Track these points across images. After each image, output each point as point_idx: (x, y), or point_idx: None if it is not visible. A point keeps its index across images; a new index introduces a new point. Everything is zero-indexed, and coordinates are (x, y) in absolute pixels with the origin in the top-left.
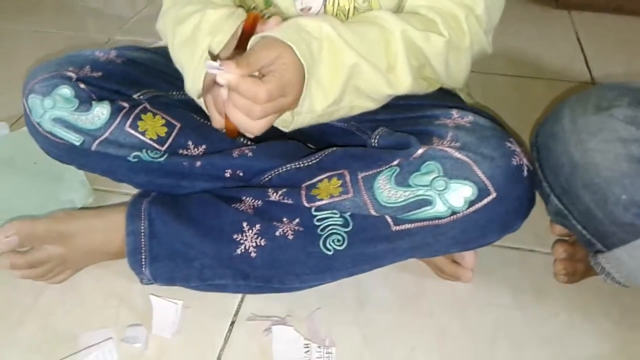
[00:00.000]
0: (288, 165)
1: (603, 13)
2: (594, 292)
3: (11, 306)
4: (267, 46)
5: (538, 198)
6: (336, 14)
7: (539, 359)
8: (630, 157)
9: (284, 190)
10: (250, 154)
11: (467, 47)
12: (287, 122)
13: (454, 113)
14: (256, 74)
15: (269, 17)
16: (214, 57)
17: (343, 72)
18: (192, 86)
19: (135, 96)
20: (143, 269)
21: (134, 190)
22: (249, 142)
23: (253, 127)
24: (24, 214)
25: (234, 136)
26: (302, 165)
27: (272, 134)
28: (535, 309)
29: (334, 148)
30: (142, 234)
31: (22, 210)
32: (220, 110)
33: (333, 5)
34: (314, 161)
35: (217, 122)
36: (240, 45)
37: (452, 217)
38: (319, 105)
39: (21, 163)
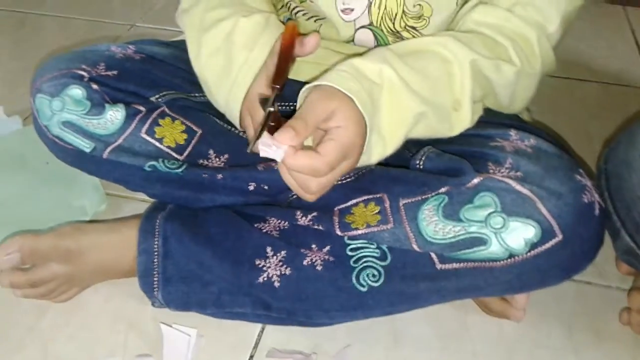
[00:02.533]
0: None
1: None
2: None
3: (11, 327)
4: (322, 98)
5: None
6: (381, 18)
7: None
8: None
9: (314, 214)
10: (277, 167)
11: (537, 73)
12: None
13: (512, 134)
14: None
15: (303, 15)
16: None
17: (406, 123)
18: (226, 105)
19: (153, 98)
20: (155, 292)
21: (151, 198)
22: None
23: (311, 198)
24: (31, 220)
25: None
26: (336, 182)
27: None
28: (593, 352)
29: (372, 167)
30: (155, 253)
31: (30, 215)
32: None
33: (379, 7)
34: (349, 180)
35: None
36: (281, 66)
37: (509, 260)
38: (376, 156)
39: (32, 162)
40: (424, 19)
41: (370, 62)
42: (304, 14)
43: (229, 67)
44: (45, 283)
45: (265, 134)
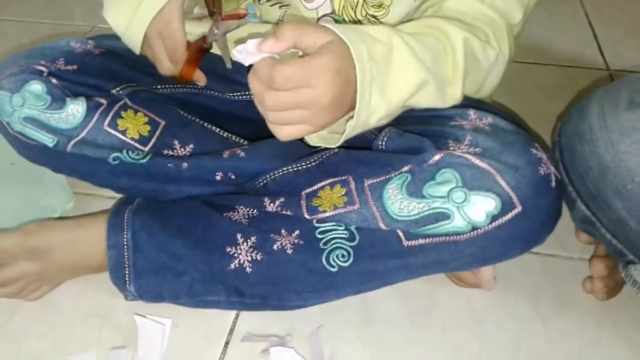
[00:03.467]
0: (285, 168)
1: None
2: (624, 303)
3: None
4: (318, 28)
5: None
6: (343, 6)
7: None
8: None
9: (282, 199)
10: (242, 154)
11: (507, 60)
12: (331, 139)
13: (471, 113)
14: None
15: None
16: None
17: (410, 87)
18: (127, 26)
19: (114, 91)
20: (127, 285)
21: (118, 194)
22: (242, 140)
23: (277, 131)
24: None
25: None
26: (300, 167)
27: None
28: (559, 321)
29: (336, 149)
30: (125, 246)
31: None
32: (173, 58)
33: None
34: (313, 163)
35: (166, 68)
36: None
37: (472, 233)
38: (376, 117)
39: None
40: (384, 8)
41: (376, 27)
42: (267, 1)
43: None
44: (14, 282)
45: (251, 41)
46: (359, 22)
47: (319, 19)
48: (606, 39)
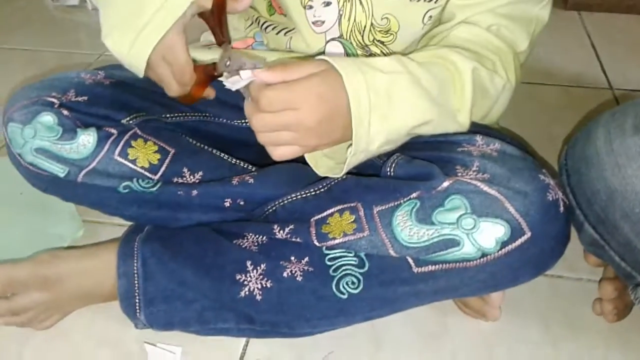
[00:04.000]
0: (294, 195)
1: (615, 13)
2: (634, 324)
3: None
4: (314, 61)
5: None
6: (351, 31)
7: None
8: None
9: (291, 227)
10: (251, 180)
11: (513, 87)
12: (339, 169)
13: (479, 139)
14: None
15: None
16: None
17: (413, 116)
18: (130, 47)
19: (124, 121)
20: (137, 313)
21: (128, 222)
22: (250, 167)
23: (270, 150)
24: (9, 250)
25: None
26: (309, 194)
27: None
28: (569, 344)
29: (345, 175)
30: (135, 275)
31: (7, 246)
32: (181, 81)
33: (349, 20)
34: (322, 190)
35: (174, 90)
36: (222, 20)
37: (481, 259)
38: (376, 144)
39: (6, 193)
40: (392, 34)
41: (381, 58)
42: (273, 28)
43: (140, 8)
44: (26, 311)
45: (249, 71)
46: (366, 46)
47: (327, 42)
48: (608, 59)
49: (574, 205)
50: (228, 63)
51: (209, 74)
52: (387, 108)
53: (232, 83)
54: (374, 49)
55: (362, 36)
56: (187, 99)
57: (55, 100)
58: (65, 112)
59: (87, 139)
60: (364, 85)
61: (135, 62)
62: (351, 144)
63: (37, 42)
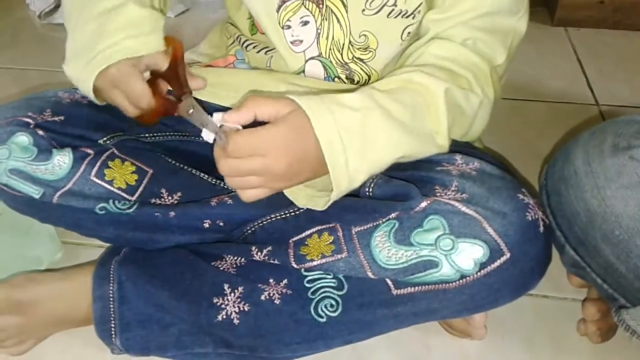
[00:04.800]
0: (273, 215)
1: (601, 29)
2: (619, 345)
3: None
4: (281, 99)
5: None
6: (330, 49)
7: None
8: None
9: (269, 248)
10: (230, 201)
11: (492, 102)
12: (319, 199)
13: (458, 158)
14: None
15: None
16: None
17: (389, 149)
18: (84, 68)
19: (101, 141)
20: (113, 338)
21: (108, 244)
22: (227, 187)
23: (239, 193)
24: None
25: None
26: (289, 215)
27: None
28: None
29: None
30: (111, 299)
31: None
32: (137, 107)
33: (327, 38)
34: (301, 210)
35: (131, 113)
36: (180, 73)
37: (460, 281)
38: (359, 179)
39: None
40: (371, 51)
41: (350, 94)
42: (254, 47)
43: (97, 40)
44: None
45: (216, 114)
46: (346, 64)
47: (306, 61)
48: (594, 75)
49: (554, 226)
50: (191, 111)
51: (168, 110)
52: (362, 145)
53: (207, 135)
54: (353, 66)
55: (341, 54)
56: (141, 121)
57: (30, 121)
58: (41, 132)
59: (62, 160)
60: (333, 126)
61: (85, 90)
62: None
63: (24, 61)
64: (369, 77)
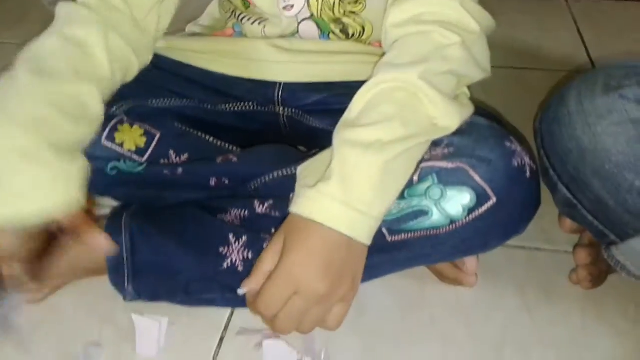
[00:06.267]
0: (275, 173)
1: (601, 0)
2: (608, 291)
3: None
4: (272, 240)
5: (544, 192)
6: (321, 9)
7: None
8: None
9: (271, 202)
10: (235, 159)
11: (478, 31)
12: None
13: None
14: None
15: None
16: None
17: (401, 184)
18: None
19: (111, 111)
20: (126, 285)
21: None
22: (235, 149)
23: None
24: None
25: None
26: (290, 172)
27: (262, 138)
28: (545, 311)
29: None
30: (124, 248)
31: None
32: None
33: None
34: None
35: None
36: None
37: (451, 226)
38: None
39: None
40: (361, 3)
41: (347, 149)
42: (248, 19)
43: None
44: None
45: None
46: (339, 20)
47: (299, 23)
48: (594, 43)
49: (548, 167)
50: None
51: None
52: (379, 201)
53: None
54: (347, 20)
55: (333, 11)
56: None
57: None
58: None
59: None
60: (335, 204)
61: None
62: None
63: (31, 37)
64: (363, 29)
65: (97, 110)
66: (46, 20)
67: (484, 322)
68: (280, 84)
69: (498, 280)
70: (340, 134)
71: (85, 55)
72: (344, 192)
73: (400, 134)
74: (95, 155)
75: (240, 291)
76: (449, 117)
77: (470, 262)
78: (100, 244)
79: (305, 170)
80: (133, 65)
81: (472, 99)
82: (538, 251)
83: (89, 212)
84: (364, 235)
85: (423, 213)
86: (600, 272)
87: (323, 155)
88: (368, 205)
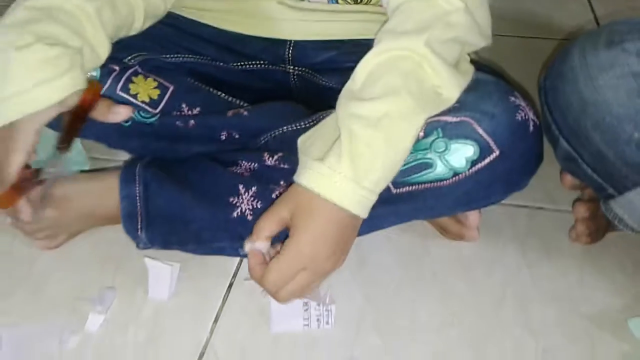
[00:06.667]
0: (285, 127)
1: None
2: (606, 248)
3: (3, 276)
4: (275, 208)
5: (547, 153)
6: None
7: (547, 317)
8: None
9: (280, 154)
10: (245, 113)
11: (480, 1)
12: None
13: None
14: None
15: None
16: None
17: (407, 152)
18: None
19: (126, 60)
20: (139, 232)
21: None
22: (244, 104)
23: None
24: None
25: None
26: (299, 127)
27: (272, 97)
28: (544, 267)
29: (332, 111)
30: (138, 197)
31: None
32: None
33: None
34: (311, 123)
35: None
36: (75, 126)
37: (454, 178)
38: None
39: None
40: None
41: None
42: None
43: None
44: (37, 224)
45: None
46: None
47: None
48: (603, 14)
49: (550, 122)
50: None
51: (25, 184)
52: (363, 173)
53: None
54: None
55: None
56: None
57: None
58: None
59: (91, 75)
60: (335, 178)
61: None
62: None
63: None
64: None
65: None
66: None
67: (485, 277)
68: (290, 42)
69: (500, 238)
70: (346, 107)
71: None
72: (355, 171)
73: (407, 106)
74: None
75: (246, 247)
76: (452, 88)
77: (472, 216)
78: (119, 109)
79: (309, 140)
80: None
81: (479, 59)
82: (540, 210)
83: (97, 90)
84: (366, 211)
85: (427, 166)
86: (598, 227)
87: (326, 124)
88: (375, 184)
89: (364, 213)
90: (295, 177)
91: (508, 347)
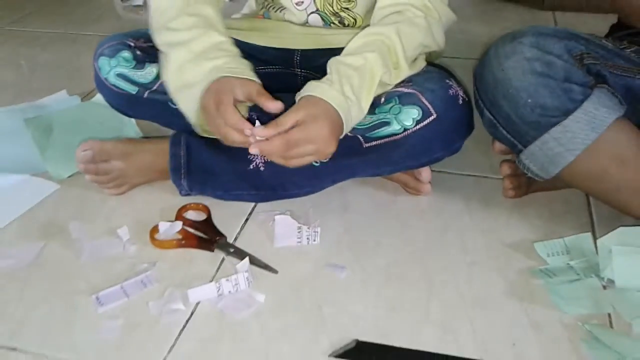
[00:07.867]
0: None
1: (583, 13)
2: (532, 202)
3: (85, 207)
4: (302, 107)
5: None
6: (323, 4)
7: (478, 244)
8: (533, 71)
9: None
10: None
11: (438, 19)
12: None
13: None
14: None
15: (273, 8)
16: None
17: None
18: (193, 84)
19: None
20: (182, 180)
21: None
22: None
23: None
24: None
25: None
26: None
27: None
28: (481, 213)
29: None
30: (182, 156)
31: None
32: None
33: None
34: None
35: (236, 139)
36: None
37: (404, 132)
38: (356, 120)
39: (90, 123)
40: (352, 1)
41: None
42: (273, 8)
43: (202, 59)
44: (107, 173)
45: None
46: (337, 13)
47: (308, 15)
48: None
49: (478, 98)
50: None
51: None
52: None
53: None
54: (343, 14)
55: (332, 6)
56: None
57: (131, 43)
58: (138, 52)
59: (152, 69)
60: (343, 101)
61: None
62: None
63: (106, 31)
64: (355, 20)
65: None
66: (118, 18)
67: (434, 218)
68: (298, 51)
69: (449, 196)
70: (336, 59)
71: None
72: (340, 87)
73: (378, 61)
74: (164, 92)
75: (253, 147)
76: (406, 66)
77: (424, 172)
78: (275, 104)
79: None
80: None
81: (440, 62)
82: (485, 178)
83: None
84: (345, 116)
85: (386, 123)
86: (519, 183)
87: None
88: (351, 95)
89: (344, 116)
90: (306, 92)
91: (446, 261)
